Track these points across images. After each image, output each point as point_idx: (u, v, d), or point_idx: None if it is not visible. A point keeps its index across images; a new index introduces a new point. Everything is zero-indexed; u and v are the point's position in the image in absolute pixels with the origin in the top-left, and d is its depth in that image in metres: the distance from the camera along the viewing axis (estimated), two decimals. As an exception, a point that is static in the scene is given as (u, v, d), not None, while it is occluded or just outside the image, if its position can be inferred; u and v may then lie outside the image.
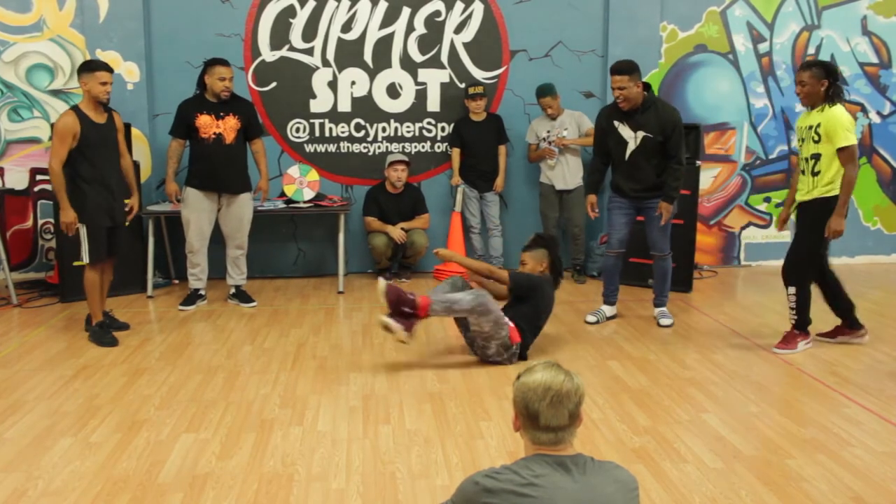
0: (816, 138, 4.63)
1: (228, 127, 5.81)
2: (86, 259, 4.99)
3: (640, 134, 5.23)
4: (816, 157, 4.66)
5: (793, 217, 5.07)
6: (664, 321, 5.52)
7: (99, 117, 4.96)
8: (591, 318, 5.63)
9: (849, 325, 5.08)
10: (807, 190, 4.76)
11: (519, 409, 2.07)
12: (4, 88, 6.71)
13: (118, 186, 5.12)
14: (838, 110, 4.58)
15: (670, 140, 5.20)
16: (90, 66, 4.92)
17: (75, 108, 4.90)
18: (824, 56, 7.38)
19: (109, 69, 4.96)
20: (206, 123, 5.77)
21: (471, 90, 6.76)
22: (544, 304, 4.77)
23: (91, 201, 4.93)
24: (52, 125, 6.06)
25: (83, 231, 4.95)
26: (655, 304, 5.64)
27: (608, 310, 5.72)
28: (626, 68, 5.10)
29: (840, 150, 4.55)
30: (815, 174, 4.69)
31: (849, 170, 4.57)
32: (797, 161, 4.94)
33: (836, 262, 7.64)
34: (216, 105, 5.79)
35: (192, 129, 5.81)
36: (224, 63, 5.81)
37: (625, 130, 5.29)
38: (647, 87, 5.24)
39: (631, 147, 5.29)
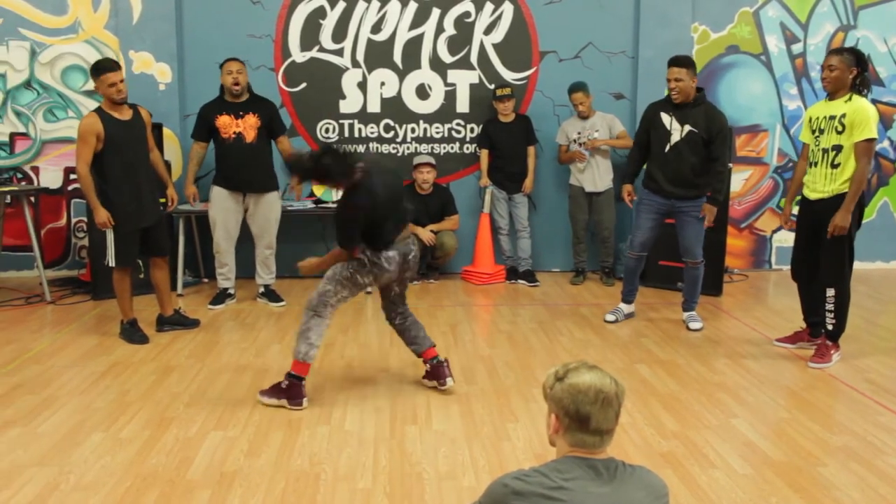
0: (840, 129, 4.50)
1: (248, 126, 5.85)
2: (111, 263, 5.03)
3: (687, 128, 5.22)
4: (838, 148, 4.52)
5: (794, 210, 4.99)
6: (694, 325, 5.46)
7: (122, 115, 4.95)
8: (610, 318, 5.63)
9: (811, 332, 4.99)
10: (823, 184, 4.61)
11: (566, 413, 2.00)
12: (40, 89, 6.83)
13: (149, 183, 5.14)
14: (866, 102, 4.48)
15: (715, 142, 5.18)
16: (97, 70, 4.86)
17: (97, 110, 4.90)
18: (860, 57, 7.27)
19: (115, 68, 4.88)
20: (226, 123, 5.83)
21: (498, 92, 6.75)
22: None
23: (117, 207, 4.93)
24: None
25: (109, 235, 4.98)
26: (684, 308, 5.59)
27: (626, 307, 5.73)
28: (685, 61, 5.18)
29: (860, 143, 4.42)
30: (834, 166, 4.55)
31: (863, 164, 4.45)
32: (807, 152, 4.79)
33: (870, 266, 7.55)
34: (235, 105, 5.85)
35: (214, 130, 5.87)
36: (233, 59, 5.89)
37: (671, 122, 5.28)
38: (699, 89, 5.25)
39: (674, 139, 5.26)
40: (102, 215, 4.89)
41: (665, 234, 6.60)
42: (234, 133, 5.84)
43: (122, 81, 4.90)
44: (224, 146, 5.87)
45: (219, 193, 5.94)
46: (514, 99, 6.79)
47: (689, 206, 5.30)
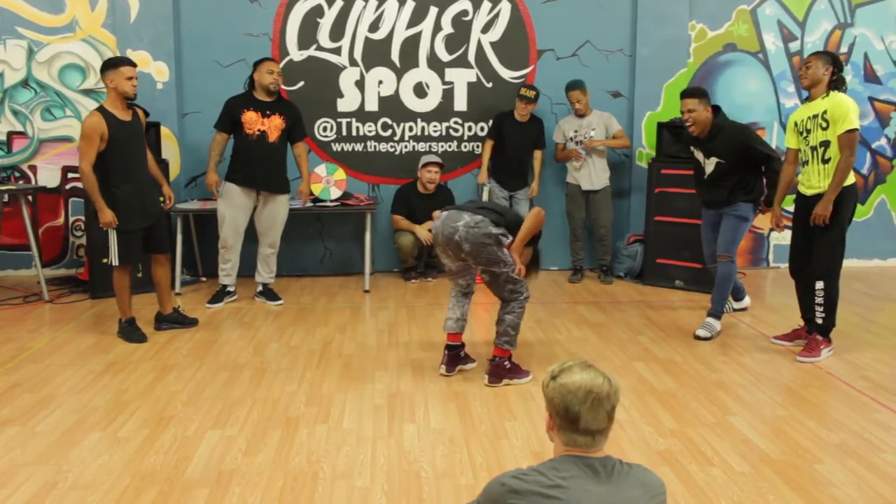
0: (825, 125, 4.59)
1: (273, 126, 5.86)
2: (115, 262, 5.02)
3: (714, 160, 5.22)
4: (826, 144, 4.60)
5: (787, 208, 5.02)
6: (699, 332, 5.21)
7: (125, 115, 4.97)
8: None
9: (808, 330, 4.97)
10: (818, 180, 4.67)
11: (557, 411, 2.02)
12: (38, 88, 6.82)
13: (148, 182, 5.16)
14: (845, 96, 4.58)
15: (754, 154, 5.13)
16: (113, 63, 4.92)
17: (100, 109, 4.90)
18: (857, 55, 7.29)
19: (133, 63, 4.97)
20: (252, 119, 5.83)
21: (523, 91, 6.65)
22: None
23: (122, 205, 4.93)
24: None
25: (112, 235, 4.97)
26: (708, 312, 5.35)
27: (736, 304, 5.86)
28: (697, 92, 5.18)
29: (842, 134, 4.50)
30: (825, 161, 4.62)
31: (846, 155, 4.52)
32: (795, 155, 4.86)
33: (868, 264, 7.56)
34: (264, 103, 5.86)
35: (237, 125, 5.87)
36: (270, 59, 5.95)
37: (700, 156, 5.32)
38: (717, 109, 5.22)
39: (707, 170, 5.29)
40: (108, 215, 4.89)
41: (663, 232, 6.63)
42: (259, 130, 5.85)
43: (136, 78, 4.98)
44: (246, 142, 5.87)
45: (232, 189, 5.93)
46: (534, 104, 6.71)
47: (731, 207, 5.25)
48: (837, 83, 4.63)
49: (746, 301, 5.91)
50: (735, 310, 5.87)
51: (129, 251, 5.04)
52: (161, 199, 5.39)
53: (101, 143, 4.84)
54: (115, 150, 4.89)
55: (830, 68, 4.61)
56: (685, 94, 5.21)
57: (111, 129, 4.86)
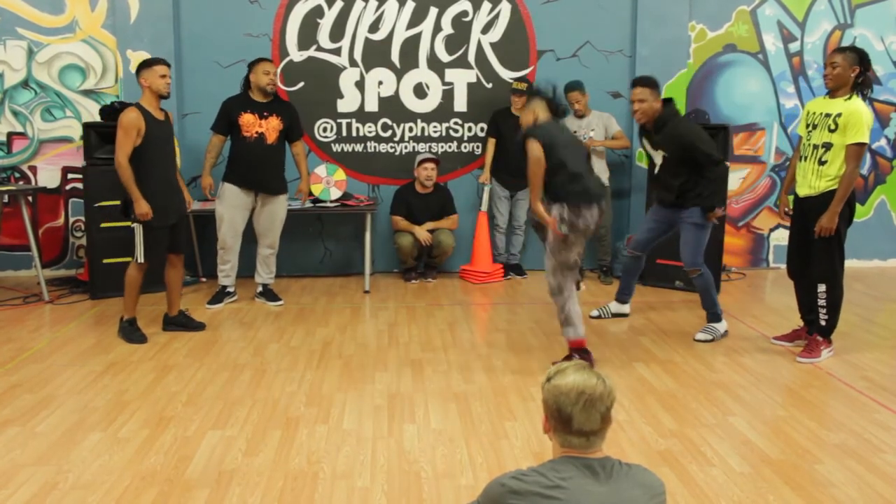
0: (833, 127, 4.52)
1: (271, 127, 5.87)
2: (140, 259, 5.02)
3: (660, 153, 5.16)
4: (828, 146, 4.55)
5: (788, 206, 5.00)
6: (698, 335, 5.21)
7: (159, 115, 5.03)
8: (594, 313, 5.70)
9: (808, 330, 4.96)
10: (811, 179, 4.63)
11: (551, 413, 2.04)
12: (38, 89, 6.82)
13: (175, 181, 5.21)
14: (863, 105, 4.49)
15: (694, 155, 4.95)
16: (148, 63, 5.00)
17: (138, 106, 4.94)
18: (857, 56, 7.28)
19: (166, 63, 5.04)
20: (250, 122, 5.83)
21: (514, 84, 6.67)
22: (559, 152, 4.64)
23: (153, 203, 4.94)
24: (85, 122, 6.14)
25: (139, 232, 4.98)
26: (707, 319, 5.34)
27: (614, 306, 5.72)
28: (647, 82, 5.06)
29: (852, 146, 4.45)
30: (821, 163, 4.57)
31: (852, 168, 4.47)
32: (800, 145, 4.81)
33: (867, 264, 7.56)
34: (261, 105, 5.86)
35: (235, 127, 5.87)
36: (267, 60, 5.95)
37: (649, 148, 5.26)
38: (667, 102, 5.09)
39: (657, 162, 5.23)
40: (144, 206, 4.89)
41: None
42: (257, 133, 5.85)
43: (170, 77, 5.04)
44: (244, 144, 5.86)
45: (230, 190, 5.93)
46: (525, 97, 6.69)
47: (686, 213, 5.14)
48: (863, 85, 4.52)
49: (626, 308, 5.74)
50: (613, 314, 5.72)
51: (155, 248, 5.07)
52: None
53: (137, 139, 4.89)
54: (148, 149, 4.94)
55: (857, 68, 4.50)
56: (635, 83, 5.09)
57: (148, 126, 4.92)
